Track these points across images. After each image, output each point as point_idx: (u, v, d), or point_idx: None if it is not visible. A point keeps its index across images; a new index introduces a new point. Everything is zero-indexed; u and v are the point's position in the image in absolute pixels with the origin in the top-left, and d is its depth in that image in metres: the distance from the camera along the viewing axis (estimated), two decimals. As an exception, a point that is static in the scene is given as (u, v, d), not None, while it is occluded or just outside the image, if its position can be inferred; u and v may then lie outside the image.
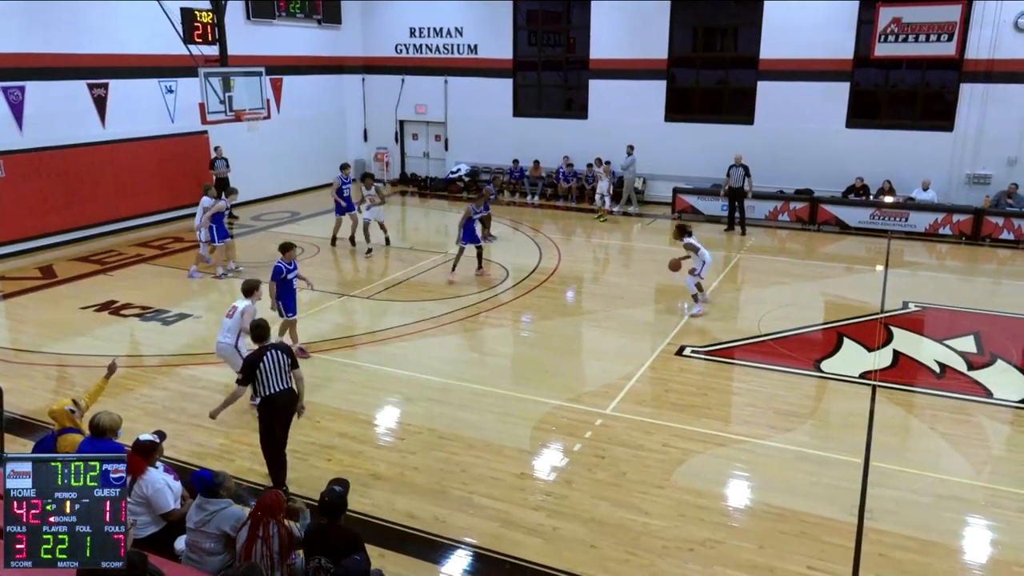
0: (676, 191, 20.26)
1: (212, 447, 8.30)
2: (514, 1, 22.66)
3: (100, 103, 17.46)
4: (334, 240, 16.86)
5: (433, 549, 6.66)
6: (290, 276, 10.47)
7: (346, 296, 13.56)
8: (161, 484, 5.98)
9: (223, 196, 14.86)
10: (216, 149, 19.21)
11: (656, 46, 20.90)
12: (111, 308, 12.91)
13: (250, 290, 9.24)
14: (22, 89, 15.87)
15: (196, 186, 19.25)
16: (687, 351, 10.98)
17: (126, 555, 4.19)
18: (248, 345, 8.46)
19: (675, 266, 12.85)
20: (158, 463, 6.18)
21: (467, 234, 14.33)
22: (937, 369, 10.45)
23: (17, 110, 15.87)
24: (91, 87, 17.24)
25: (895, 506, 7.21)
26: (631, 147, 20.35)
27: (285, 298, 10.46)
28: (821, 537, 6.75)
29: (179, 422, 8.93)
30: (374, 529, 6.78)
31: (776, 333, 11.66)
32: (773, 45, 19.69)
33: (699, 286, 12.65)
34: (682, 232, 12.66)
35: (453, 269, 14.35)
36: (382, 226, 16.64)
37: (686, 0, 20.75)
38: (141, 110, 18.27)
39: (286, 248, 10.53)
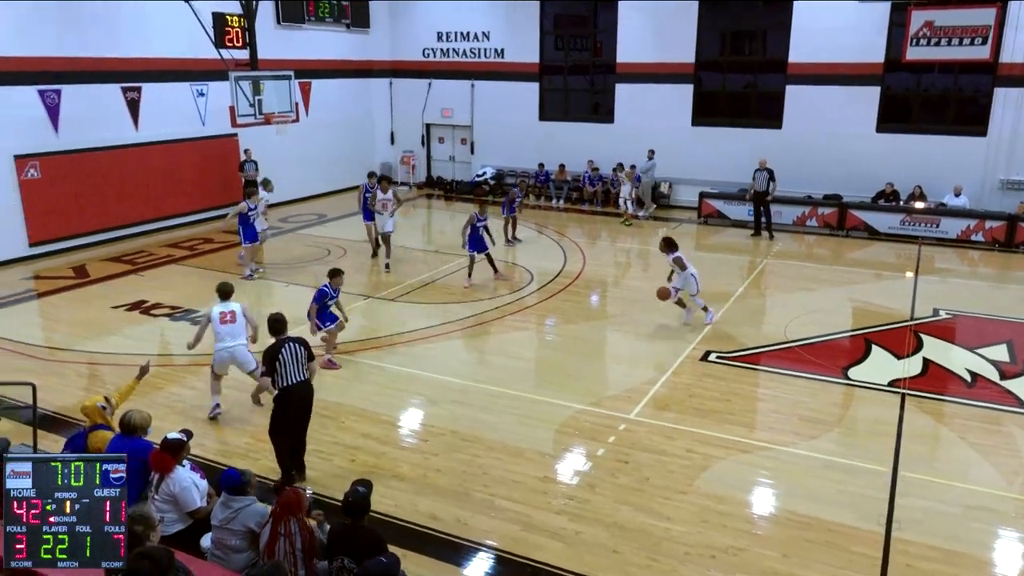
0: (702, 195, 20.14)
1: (238, 446, 8.38)
2: (541, 5, 22.70)
3: (133, 106, 17.73)
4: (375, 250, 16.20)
5: (454, 551, 6.67)
6: (330, 302, 10.53)
7: (371, 298, 13.62)
8: (188, 482, 6.05)
9: (245, 198, 14.99)
10: (246, 152, 19.41)
11: (683, 50, 20.80)
12: (141, 308, 13.09)
13: (230, 292, 9.44)
14: (58, 92, 16.16)
15: (226, 188, 19.67)
16: (712, 357, 10.90)
17: (154, 551, 4.21)
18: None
19: (664, 294, 11.97)
20: (185, 461, 6.25)
21: (471, 243, 14.22)
22: (968, 378, 10.28)
23: (53, 112, 16.16)
24: (125, 90, 17.52)
25: (923, 516, 7.10)
26: (652, 151, 20.28)
27: (321, 317, 10.53)
28: (847, 546, 6.66)
29: (206, 421, 9.02)
30: (396, 530, 6.80)
31: (803, 339, 11.54)
32: (802, 49, 19.52)
33: (680, 302, 12.00)
34: (669, 246, 11.96)
35: (469, 276, 14.27)
36: (384, 239, 15.47)
37: (714, 3, 20.66)
38: (173, 113, 18.52)
39: (334, 274, 10.52)
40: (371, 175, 16.49)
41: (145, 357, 10.82)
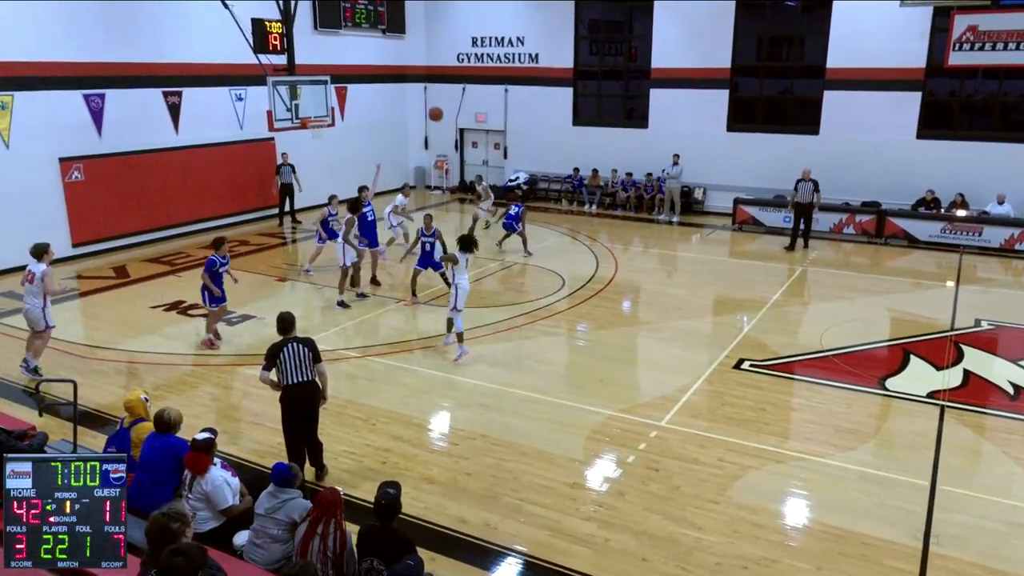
0: (737, 202, 19.95)
1: (271, 446, 8.40)
2: (576, 10, 22.67)
3: (174, 110, 18.04)
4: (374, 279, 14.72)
5: (482, 555, 6.65)
6: (221, 270, 11.13)
7: (403, 301, 13.67)
8: (220, 481, 6.13)
9: (329, 202, 15.23)
10: (283, 155, 19.59)
11: (719, 55, 20.64)
12: (179, 308, 13.27)
13: (41, 252, 9.99)
14: (102, 96, 16.52)
15: (263, 191, 19.87)
16: (746, 365, 10.77)
17: (188, 547, 4.24)
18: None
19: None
20: (216, 459, 6.31)
21: (420, 258, 13.39)
22: (1011, 390, 10.02)
23: (97, 116, 16.51)
24: (166, 95, 17.83)
25: (963, 531, 6.93)
26: (677, 156, 20.13)
27: (210, 290, 11.15)
28: (882, 560, 6.52)
29: (240, 420, 9.14)
30: (425, 532, 6.81)
31: (839, 349, 11.35)
32: (841, 54, 19.23)
33: (450, 322, 10.95)
34: (466, 246, 10.70)
35: (412, 293, 13.51)
36: (356, 276, 13.79)
37: (751, 9, 20.48)
38: (212, 117, 18.80)
39: (220, 243, 11.25)
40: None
41: (181, 356, 11.10)
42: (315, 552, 5.33)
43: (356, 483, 7.64)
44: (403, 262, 15.20)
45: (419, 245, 13.34)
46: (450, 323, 11.16)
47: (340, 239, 13.36)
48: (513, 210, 17.16)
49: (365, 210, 13.86)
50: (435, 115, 10.84)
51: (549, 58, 23.18)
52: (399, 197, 16.69)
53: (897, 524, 7.02)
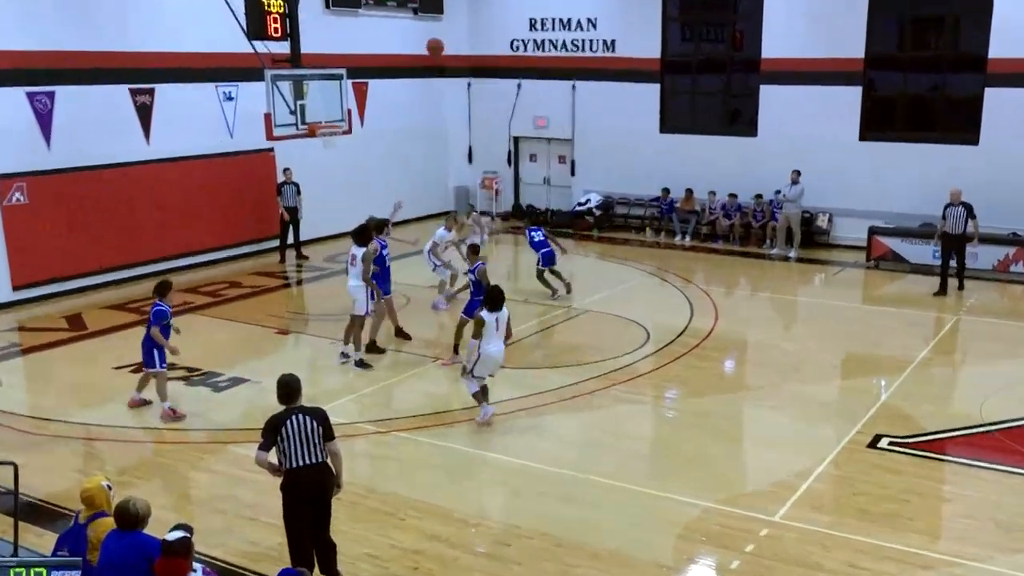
0: (872, 231, 20.01)
1: (270, 547, 8.53)
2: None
3: (144, 113, 18.38)
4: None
5: None
6: (172, 322, 11.64)
7: (440, 359, 13.90)
8: (202, 592, 6.18)
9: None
10: (285, 172, 19.81)
11: (849, 43, 20.80)
12: (150, 368, 13.65)
13: None
14: (51, 95, 16.74)
15: (257, 217, 20.04)
16: (884, 442, 10.83)
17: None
18: None
19: None
20: (196, 565, 6.26)
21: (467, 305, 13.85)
22: None
23: (45, 121, 16.72)
24: (134, 93, 18.14)
25: None
26: (797, 172, 20.17)
27: (161, 347, 11.58)
28: None
29: (229, 514, 9.28)
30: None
31: (1004, 422, 11.35)
32: (1006, 41, 19.24)
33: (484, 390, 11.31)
34: (496, 302, 11.12)
35: (455, 350, 13.72)
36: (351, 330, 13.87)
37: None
38: (193, 122, 19.07)
39: (166, 289, 11.78)
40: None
41: (153, 432, 11.32)
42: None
43: (380, 596, 7.84)
44: (449, 305, 15.60)
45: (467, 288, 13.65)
46: (484, 390, 11.32)
47: (356, 281, 13.53)
48: (538, 237, 17.19)
49: (383, 251, 14.19)
50: (434, 47, 10.64)
51: (629, 46, 23.49)
52: (440, 231, 16.52)
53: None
